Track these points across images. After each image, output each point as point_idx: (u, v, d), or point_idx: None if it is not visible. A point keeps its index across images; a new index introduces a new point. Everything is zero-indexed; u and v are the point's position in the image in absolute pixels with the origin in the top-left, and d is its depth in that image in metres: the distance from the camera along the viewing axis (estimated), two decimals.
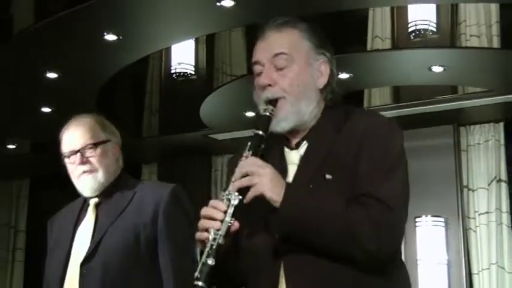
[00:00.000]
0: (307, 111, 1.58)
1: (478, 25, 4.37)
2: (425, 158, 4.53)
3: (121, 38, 4.03)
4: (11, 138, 5.90)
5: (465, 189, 4.63)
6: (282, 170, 1.54)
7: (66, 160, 2.23)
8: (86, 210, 2.31)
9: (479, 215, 4.52)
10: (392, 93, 4.82)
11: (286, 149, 1.59)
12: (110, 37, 4.01)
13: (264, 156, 1.53)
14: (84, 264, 2.23)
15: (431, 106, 4.51)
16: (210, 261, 1.43)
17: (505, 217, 4.45)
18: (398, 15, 4.51)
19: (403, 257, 2.26)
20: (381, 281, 1.44)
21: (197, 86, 5.05)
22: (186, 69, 4.71)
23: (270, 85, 1.54)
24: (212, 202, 1.47)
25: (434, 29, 4.12)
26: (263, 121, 1.52)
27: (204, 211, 1.46)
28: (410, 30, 4.10)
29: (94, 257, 2.24)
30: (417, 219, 4.48)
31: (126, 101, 6.03)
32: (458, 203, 4.57)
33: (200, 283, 1.41)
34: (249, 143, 1.51)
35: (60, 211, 2.45)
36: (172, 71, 4.75)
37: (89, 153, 2.20)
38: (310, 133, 1.59)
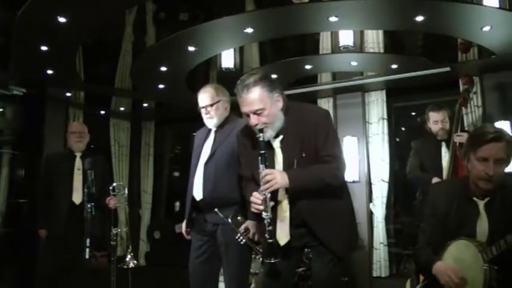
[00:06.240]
0: (279, 124, 2.18)
1: (372, 42, 5.60)
2: (351, 106, 5.85)
3: (197, 49, 4.81)
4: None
5: (367, 123, 5.88)
6: (272, 150, 2.13)
7: (201, 110, 2.90)
8: (209, 134, 3.01)
9: (373, 135, 5.83)
10: (332, 75, 5.97)
11: (271, 140, 2.22)
12: (191, 48, 4.75)
13: (263, 148, 2.07)
14: (206, 163, 2.88)
15: (352, 82, 5.66)
16: (272, 240, 1.97)
17: (385, 138, 5.73)
18: (335, 36, 5.64)
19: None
20: (339, 192, 2.20)
21: (234, 75, 5.67)
22: (229, 65, 5.64)
23: (257, 124, 2.14)
24: (255, 194, 2.07)
25: (352, 44, 5.19)
26: (260, 144, 2.11)
27: (252, 199, 2.09)
28: (340, 44, 5.23)
29: (211, 159, 2.87)
30: (344, 137, 5.64)
31: (203, 82, 6.50)
32: (364, 129, 5.88)
33: (273, 259, 1.95)
34: (260, 158, 2.06)
35: (198, 131, 3.07)
36: (223, 66, 5.66)
37: (209, 108, 2.91)
38: (281, 131, 2.18)
